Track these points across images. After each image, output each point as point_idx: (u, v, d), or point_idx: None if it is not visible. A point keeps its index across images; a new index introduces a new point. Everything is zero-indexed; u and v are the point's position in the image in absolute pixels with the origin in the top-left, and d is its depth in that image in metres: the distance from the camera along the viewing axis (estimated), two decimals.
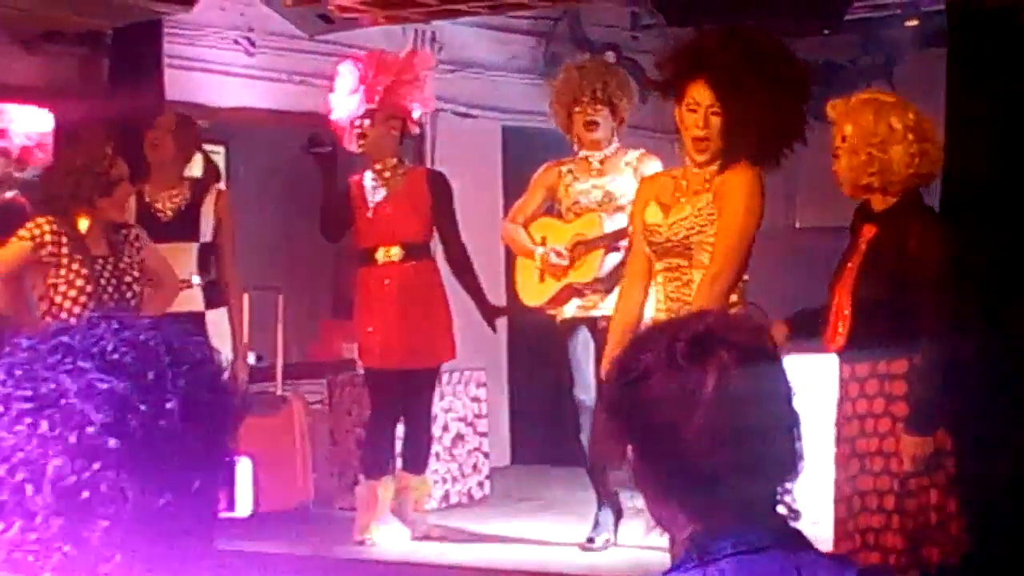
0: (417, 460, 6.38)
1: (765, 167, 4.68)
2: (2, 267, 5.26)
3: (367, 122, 6.16)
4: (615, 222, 6.00)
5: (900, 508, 4.10)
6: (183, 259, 6.01)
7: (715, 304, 4.32)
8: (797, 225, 9.47)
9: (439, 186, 6.29)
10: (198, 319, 5.97)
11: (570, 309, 6.12)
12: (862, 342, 4.20)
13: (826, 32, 7.56)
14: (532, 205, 6.26)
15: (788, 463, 1.75)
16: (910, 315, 4.11)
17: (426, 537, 6.34)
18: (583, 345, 6.07)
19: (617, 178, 6.08)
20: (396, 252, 6.19)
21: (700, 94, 4.59)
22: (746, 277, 4.69)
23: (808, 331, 4.44)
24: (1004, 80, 5.06)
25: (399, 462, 6.42)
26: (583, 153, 6.13)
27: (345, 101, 6.21)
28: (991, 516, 4.48)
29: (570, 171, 6.16)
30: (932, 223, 4.25)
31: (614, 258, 5.98)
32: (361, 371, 6.79)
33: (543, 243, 6.18)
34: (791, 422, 1.76)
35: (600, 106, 6.03)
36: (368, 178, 6.25)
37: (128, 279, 5.36)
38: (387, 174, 6.22)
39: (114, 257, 5.35)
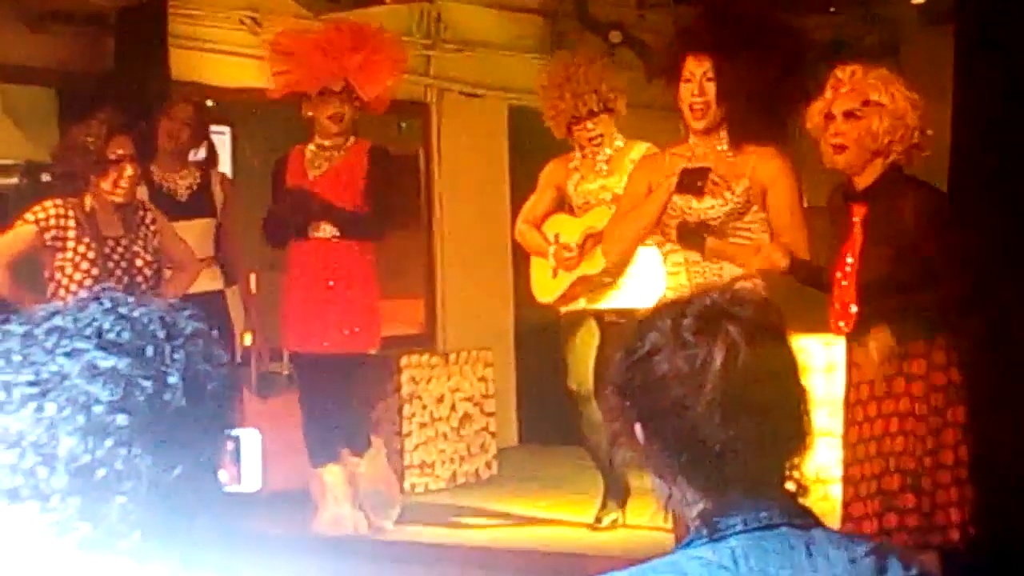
0: (354, 439, 6.15)
1: (776, 143, 4.71)
2: (6, 252, 5.25)
3: (339, 102, 6.00)
4: None
5: (922, 487, 4.10)
6: (202, 236, 6.07)
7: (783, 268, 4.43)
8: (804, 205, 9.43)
9: (378, 162, 6.09)
10: (220, 296, 6.00)
11: (577, 302, 6.12)
12: (874, 323, 4.19)
13: (832, 10, 7.55)
14: (543, 205, 6.24)
15: (797, 438, 1.75)
16: (918, 289, 4.11)
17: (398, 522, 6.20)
18: (585, 337, 6.06)
19: (623, 177, 6.06)
20: (328, 228, 6.03)
21: (694, 65, 4.74)
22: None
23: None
24: (1011, 58, 5.03)
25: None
26: (586, 151, 6.08)
27: (302, 75, 6.07)
28: (1004, 494, 4.48)
29: (576, 168, 6.13)
30: (922, 192, 4.27)
31: None
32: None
33: (556, 240, 6.17)
34: (799, 397, 1.76)
35: (598, 115, 5.98)
36: (310, 150, 6.14)
37: (140, 261, 5.33)
38: (331, 148, 6.09)
39: (127, 239, 5.33)
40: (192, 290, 5.60)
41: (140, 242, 5.35)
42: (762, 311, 1.76)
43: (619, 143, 6.09)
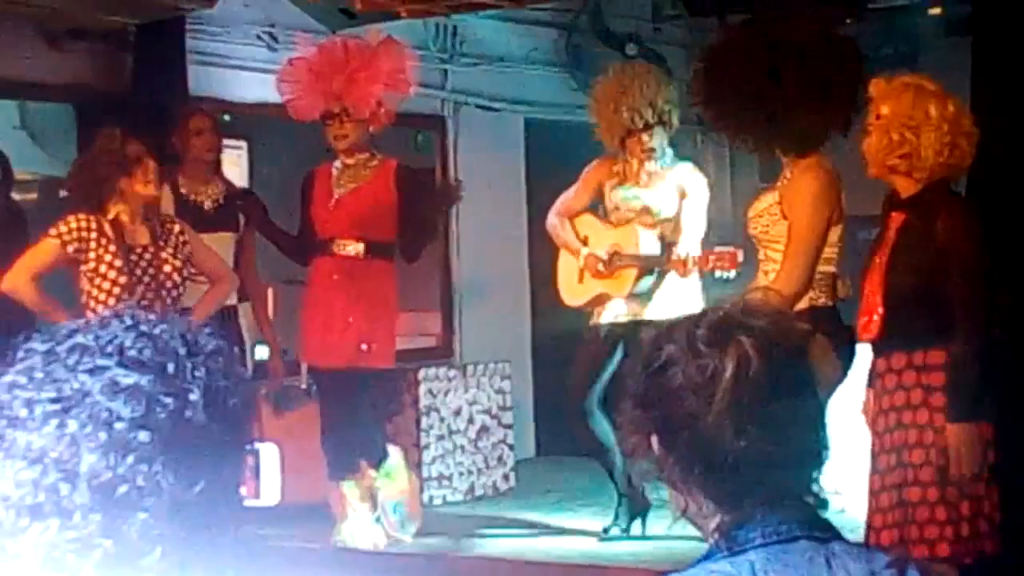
0: (369, 451, 6.15)
1: (816, 154, 4.71)
2: (32, 267, 5.28)
3: (339, 123, 6.03)
4: (648, 241, 6.00)
5: (943, 499, 4.07)
6: (223, 249, 6.08)
7: (787, 301, 4.32)
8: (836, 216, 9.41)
9: (406, 181, 6.11)
10: (233, 312, 6.02)
11: (609, 315, 6.10)
12: (897, 332, 4.16)
13: (849, 21, 7.53)
14: (579, 202, 6.24)
15: (813, 451, 1.74)
16: (943, 304, 4.07)
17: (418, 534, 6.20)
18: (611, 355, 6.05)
19: (659, 193, 6.06)
20: (352, 247, 6.04)
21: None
22: (831, 269, 4.73)
23: None
24: None
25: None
26: (636, 160, 6.07)
27: (302, 102, 6.11)
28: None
29: (619, 173, 6.14)
30: (960, 210, 4.18)
31: (647, 281, 6.00)
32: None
33: (585, 242, 6.18)
34: (815, 408, 1.76)
35: (653, 127, 5.98)
36: (336, 168, 6.17)
37: (168, 268, 5.36)
38: (356, 166, 6.12)
39: (154, 247, 5.36)
40: None
41: (168, 250, 5.38)
42: (776, 323, 1.76)
43: (667, 160, 6.09)
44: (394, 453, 6.24)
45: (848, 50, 4.82)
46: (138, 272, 5.30)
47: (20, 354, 1.34)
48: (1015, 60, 5.07)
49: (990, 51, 5.19)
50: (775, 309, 1.81)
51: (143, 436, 1.28)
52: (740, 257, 5.42)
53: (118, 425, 1.28)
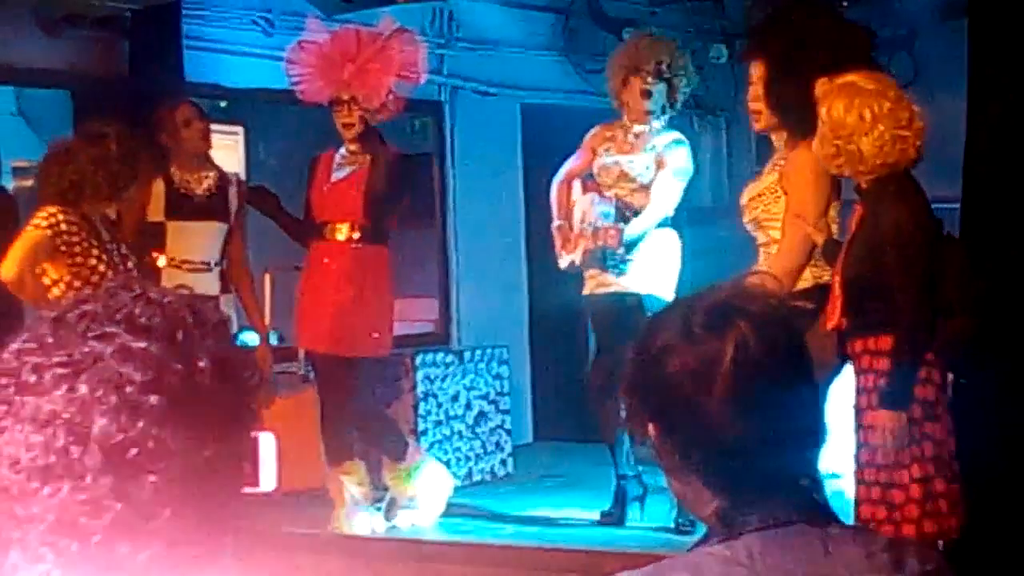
0: (389, 449, 6.21)
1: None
2: (28, 257, 5.24)
3: (347, 111, 6.04)
4: (603, 210, 6.04)
5: (877, 481, 4.17)
6: (212, 238, 6.08)
7: (787, 274, 4.54)
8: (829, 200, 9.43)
9: (402, 170, 6.14)
10: (215, 303, 6.01)
11: (587, 288, 6.13)
12: (853, 320, 4.28)
13: (845, 4, 7.52)
14: (577, 164, 6.29)
15: (810, 434, 1.75)
16: (891, 293, 4.17)
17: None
18: (608, 319, 6.07)
19: (639, 159, 6.08)
20: (345, 231, 6.07)
21: (754, 70, 4.95)
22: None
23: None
24: None
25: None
26: (626, 122, 6.12)
27: (311, 86, 6.12)
28: (990, 497, 4.51)
29: (611, 138, 6.18)
30: (902, 202, 4.24)
31: (600, 253, 6.04)
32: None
33: (570, 208, 6.22)
34: (812, 392, 1.76)
35: (659, 79, 6.04)
36: (339, 154, 6.18)
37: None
38: (356, 153, 6.13)
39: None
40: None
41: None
42: (774, 307, 1.76)
43: (656, 128, 6.11)
44: (418, 449, 6.31)
45: (859, 37, 4.93)
46: (122, 268, 5.37)
47: (28, 323, 1.36)
48: (1011, 43, 5.07)
49: (986, 35, 5.19)
50: (772, 292, 1.81)
51: (153, 399, 1.29)
52: (624, 234, 5.81)
53: (129, 388, 1.29)
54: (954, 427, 4.25)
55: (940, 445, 4.20)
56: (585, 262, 6.07)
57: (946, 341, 4.22)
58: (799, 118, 4.68)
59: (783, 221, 4.78)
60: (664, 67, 6.04)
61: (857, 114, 4.21)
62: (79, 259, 5.26)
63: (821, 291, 4.56)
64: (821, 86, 4.39)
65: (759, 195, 4.93)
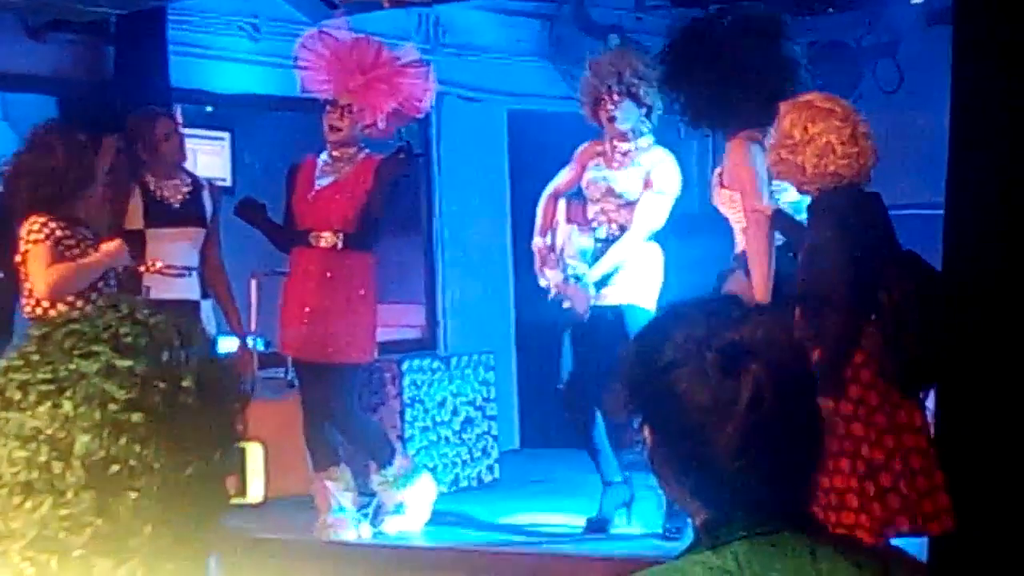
0: (376, 455, 6.21)
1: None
2: (54, 278, 5.24)
3: (339, 115, 6.06)
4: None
5: (847, 485, 4.28)
6: (190, 244, 6.10)
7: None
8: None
9: (382, 173, 6.12)
10: (194, 307, 6.01)
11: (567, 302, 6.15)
12: (809, 326, 4.36)
13: (831, 10, 7.55)
14: (563, 178, 6.30)
15: (807, 468, 1.75)
16: (820, 306, 4.33)
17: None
18: (589, 333, 6.07)
19: (626, 176, 6.07)
20: (329, 238, 6.07)
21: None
22: None
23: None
24: (1010, 57, 5.04)
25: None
26: (615, 140, 6.12)
27: (315, 78, 6.13)
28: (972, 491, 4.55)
29: (601, 154, 6.18)
30: (837, 217, 4.40)
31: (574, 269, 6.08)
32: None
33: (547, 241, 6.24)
34: (816, 427, 1.76)
35: (620, 98, 6.02)
36: (321, 160, 6.19)
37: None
38: (341, 160, 6.14)
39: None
40: (169, 297, 5.72)
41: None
42: (786, 348, 1.75)
43: (643, 145, 6.11)
44: (407, 461, 6.31)
45: (770, 30, 5.35)
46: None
47: (14, 341, 1.36)
48: (996, 50, 5.08)
49: (971, 40, 5.20)
50: (788, 334, 1.79)
51: (136, 417, 1.30)
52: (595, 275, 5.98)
53: (112, 406, 1.30)
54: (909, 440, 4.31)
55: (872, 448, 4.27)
56: (557, 290, 6.10)
57: (895, 361, 4.28)
58: (722, 118, 5.29)
59: (746, 220, 5.15)
60: (615, 86, 6.00)
61: (803, 127, 4.45)
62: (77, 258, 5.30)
63: None
64: (784, 105, 4.62)
65: (717, 193, 5.43)
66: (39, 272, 5.25)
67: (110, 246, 5.37)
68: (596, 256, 6.03)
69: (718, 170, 5.51)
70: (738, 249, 5.29)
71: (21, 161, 5.40)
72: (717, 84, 5.28)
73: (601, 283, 6.02)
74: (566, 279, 6.03)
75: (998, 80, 5.02)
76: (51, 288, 5.23)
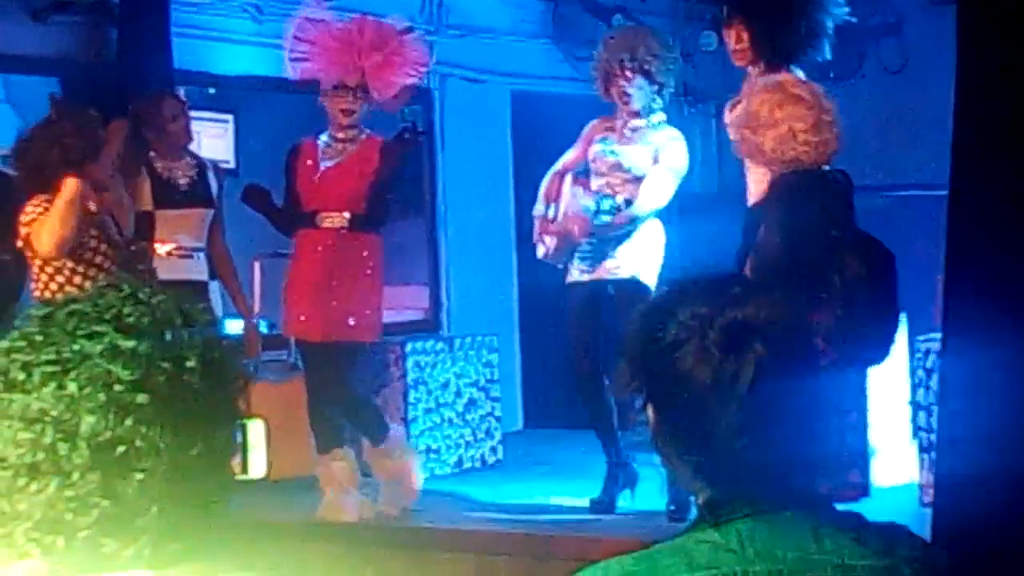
0: (370, 428, 6.17)
1: None
2: (51, 227, 5.14)
3: (352, 97, 6.04)
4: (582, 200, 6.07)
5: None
6: (198, 225, 6.16)
7: None
8: None
9: (387, 153, 6.12)
10: (202, 288, 6.03)
11: (575, 274, 6.14)
12: None
13: None
14: (571, 154, 6.28)
15: (809, 446, 1.75)
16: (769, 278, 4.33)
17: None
18: (588, 307, 6.07)
19: (635, 151, 6.06)
20: (336, 218, 6.06)
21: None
22: None
23: None
24: (1015, 37, 5.02)
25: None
26: (625, 116, 6.12)
27: (316, 65, 6.09)
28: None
29: (610, 129, 6.17)
30: (775, 195, 4.46)
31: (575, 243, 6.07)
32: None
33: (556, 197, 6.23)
34: (819, 405, 1.76)
35: (633, 75, 6.00)
36: (323, 141, 6.18)
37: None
38: (344, 140, 6.13)
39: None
40: (178, 277, 5.74)
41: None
42: (789, 326, 1.75)
43: (653, 122, 6.10)
44: (396, 431, 6.28)
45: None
46: (115, 237, 5.40)
47: (16, 322, 1.36)
48: (1000, 29, 5.07)
49: (975, 20, 5.18)
50: (791, 314, 1.79)
51: (141, 398, 1.30)
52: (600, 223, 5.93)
53: (117, 387, 1.30)
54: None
55: None
56: (552, 256, 6.09)
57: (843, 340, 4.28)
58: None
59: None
60: (627, 62, 5.98)
61: (769, 109, 4.47)
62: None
63: None
64: (751, 84, 4.72)
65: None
66: (39, 234, 5.15)
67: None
68: (595, 215, 6.00)
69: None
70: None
71: (32, 133, 5.39)
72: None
73: (602, 256, 6.02)
74: (597, 202, 5.99)
75: (1003, 59, 5.01)
76: (55, 240, 5.11)
